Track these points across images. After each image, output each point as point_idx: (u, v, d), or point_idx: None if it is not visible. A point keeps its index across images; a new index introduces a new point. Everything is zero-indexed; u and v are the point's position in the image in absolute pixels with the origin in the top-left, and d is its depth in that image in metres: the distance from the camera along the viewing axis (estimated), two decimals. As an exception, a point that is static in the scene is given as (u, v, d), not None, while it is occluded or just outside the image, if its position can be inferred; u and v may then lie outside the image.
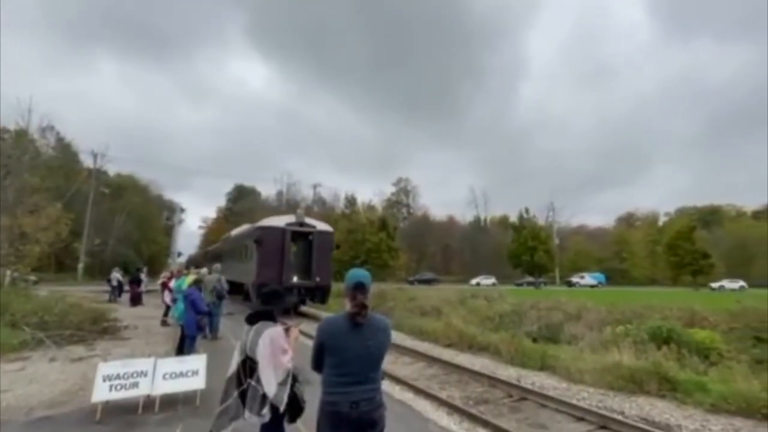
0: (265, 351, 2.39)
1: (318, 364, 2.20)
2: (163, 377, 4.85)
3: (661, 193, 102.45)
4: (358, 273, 2.24)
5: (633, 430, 4.75)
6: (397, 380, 6.73)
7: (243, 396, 2.43)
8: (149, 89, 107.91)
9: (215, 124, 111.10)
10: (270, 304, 2.65)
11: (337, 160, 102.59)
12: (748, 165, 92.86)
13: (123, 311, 14.22)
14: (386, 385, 5.64)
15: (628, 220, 78.22)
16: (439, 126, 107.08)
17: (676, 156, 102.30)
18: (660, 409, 5.64)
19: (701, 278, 44.97)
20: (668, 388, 6.23)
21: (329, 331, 2.14)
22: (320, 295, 15.29)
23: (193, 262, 36.84)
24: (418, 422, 4.81)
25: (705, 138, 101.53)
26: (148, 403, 4.77)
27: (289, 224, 15.28)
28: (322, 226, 16.70)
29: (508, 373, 7.57)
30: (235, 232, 23.39)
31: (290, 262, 15.00)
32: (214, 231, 63.22)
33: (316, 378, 2.21)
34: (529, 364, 8.02)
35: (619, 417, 5.21)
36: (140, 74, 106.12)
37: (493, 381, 6.88)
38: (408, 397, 5.94)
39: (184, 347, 6.85)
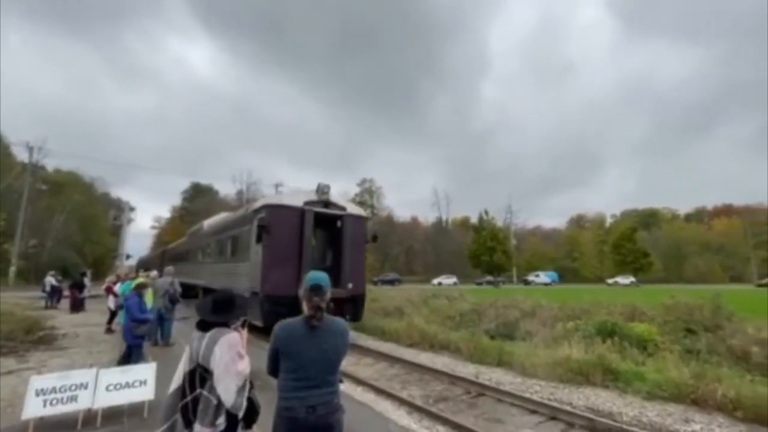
0: (223, 358, 2.29)
1: (273, 369, 2.17)
2: (107, 389, 4.52)
3: (610, 196, 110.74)
4: (316, 275, 2.24)
5: (579, 419, 5.07)
6: (359, 381, 6.73)
7: (186, 409, 2.31)
8: (73, 68, 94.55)
9: (158, 112, 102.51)
10: (223, 315, 2.49)
11: (297, 157, 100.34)
12: (686, 169, 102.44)
13: (62, 318, 13.10)
14: (347, 386, 5.63)
15: (578, 222, 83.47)
16: (403, 125, 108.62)
17: (624, 159, 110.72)
18: (604, 399, 6.05)
19: (642, 275, 49.26)
20: (611, 378, 6.70)
21: (284, 335, 2.11)
22: (352, 308, 10.75)
23: (145, 265, 34.65)
24: (378, 422, 4.83)
25: (651, 142, 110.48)
26: (89, 417, 4.44)
27: (309, 203, 10.45)
28: (353, 208, 11.84)
29: (467, 370, 7.79)
30: (212, 221, 18.23)
31: (311, 261, 10.20)
32: (169, 231, 60.06)
33: (273, 382, 2.16)
34: (487, 361, 8.31)
35: (568, 408, 5.53)
36: (58, 48, 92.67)
37: (453, 379, 7.05)
38: (369, 398, 5.95)
39: (131, 356, 6.42)
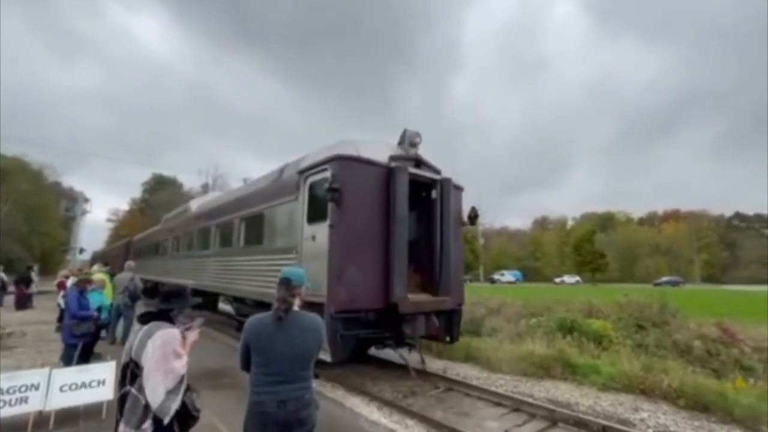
0: (155, 354, 2.10)
1: (245, 364, 2.18)
2: (61, 390, 4.27)
3: (573, 197, 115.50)
4: (289, 270, 2.29)
5: (540, 410, 5.34)
6: (329, 378, 6.72)
7: (119, 406, 2.13)
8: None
9: (105, 90, 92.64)
10: (170, 303, 2.36)
11: (263, 148, 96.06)
12: (644, 173, 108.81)
13: (7, 316, 12.15)
14: (317, 384, 5.61)
15: (542, 223, 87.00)
16: (372, 119, 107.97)
17: (588, 160, 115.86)
18: (563, 391, 6.40)
19: (599, 275, 52.27)
20: (570, 371, 7.09)
21: (254, 330, 2.13)
22: (446, 323, 6.94)
23: (104, 259, 32.62)
24: (349, 418, 4.86)
25: (614, 144, 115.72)
26: (41, 420, 4.18)
27: (396, 159, 6.59)
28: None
29: (436, 365, 7.96)
30: (206, 200, 14.05)
31: (405, 251, 6.17)
32: (128, 224, 57.12)
33: (242, 379, 2.14)
34: (455, 356, 8.53)
35: (530, 399, 5.81)
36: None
37: (422, 374, 7.18)
38: (339, 394, 5.96)
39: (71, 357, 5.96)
